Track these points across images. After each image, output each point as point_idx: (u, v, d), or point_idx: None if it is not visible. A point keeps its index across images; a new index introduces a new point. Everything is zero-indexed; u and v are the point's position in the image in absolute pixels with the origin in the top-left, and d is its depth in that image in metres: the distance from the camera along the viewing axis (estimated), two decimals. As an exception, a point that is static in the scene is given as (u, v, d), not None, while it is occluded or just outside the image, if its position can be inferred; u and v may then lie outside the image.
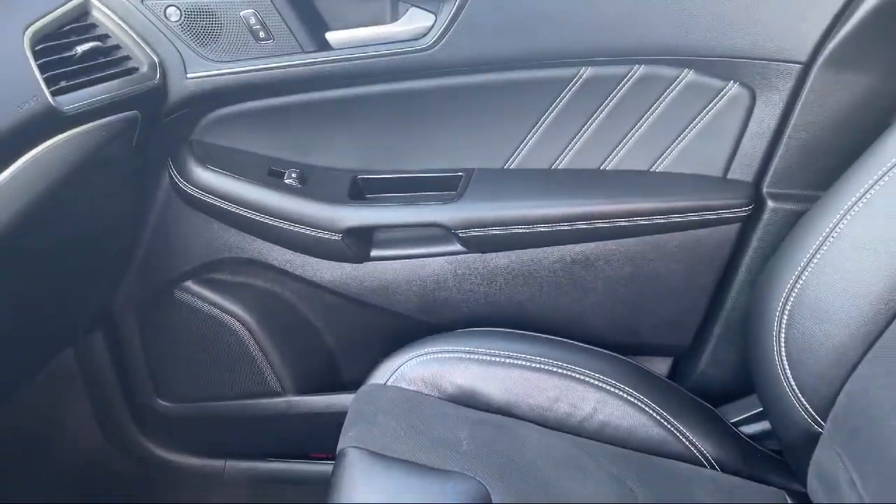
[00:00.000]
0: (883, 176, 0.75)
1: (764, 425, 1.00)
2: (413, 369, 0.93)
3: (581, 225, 1.00)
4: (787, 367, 0.81)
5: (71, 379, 1.16)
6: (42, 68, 0.78)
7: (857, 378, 0.76)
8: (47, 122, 0.77)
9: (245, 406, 1.19)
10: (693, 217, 0.99)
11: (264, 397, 1.18)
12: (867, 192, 0.76)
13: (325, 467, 1.22)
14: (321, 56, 0.97)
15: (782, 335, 0.81)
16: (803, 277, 0.80)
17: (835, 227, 0.78)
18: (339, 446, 0.87)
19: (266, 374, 1.16)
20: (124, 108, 0.88)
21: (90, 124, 0.83)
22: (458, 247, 1.04)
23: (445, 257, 1.05)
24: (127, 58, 0.91)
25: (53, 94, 0.78)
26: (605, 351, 0.98)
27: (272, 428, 1.20)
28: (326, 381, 1.19)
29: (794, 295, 0.80)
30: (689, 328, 1.08)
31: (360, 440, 0.85)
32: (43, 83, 0.77)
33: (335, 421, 0.92)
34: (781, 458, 0.93)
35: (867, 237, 0.75)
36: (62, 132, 0.79)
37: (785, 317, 0.81)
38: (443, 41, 0.95)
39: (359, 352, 1.15)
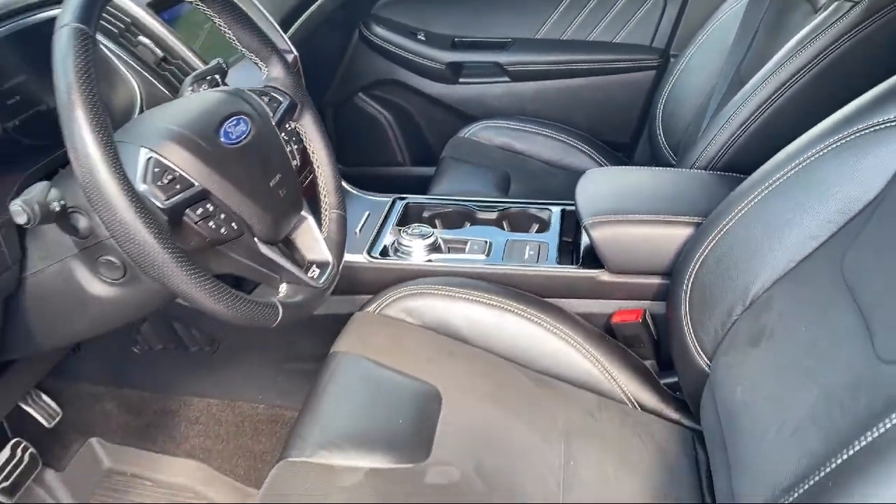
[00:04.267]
0: (697, 42, 1.63)
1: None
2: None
3: (572, 66, 1.91)
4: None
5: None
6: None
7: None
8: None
9: (385, 171, 2.15)
10: (632, 65, 1.89)
11: (394, 166, 2.14)
12: (692, 50, 1.64)
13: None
14: (442, -29, 1.91)
15: (660, 116, 1.70)
16: (664, 95, 1.68)
17: (680, 68, 1.65)
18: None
19: (396, 151, 2.12)
20: (347, -9, 1.83)
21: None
22: (506, 78, 1.96)
23: (499, 84, 1.97)
24: (348, -34, 1.86)
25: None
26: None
27: (397, 182, 2.15)
28: (426, 157, 2.13)
29: (662, 101, 1.69)
30: (629, 130, 1.98)
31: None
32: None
33: (428, 175, 1.81)
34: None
35: (696, 64, 1.64)
36: (324, -1, 1.74)
37: (660, 111, 1.69)
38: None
39: (443, 138, 2.05)
